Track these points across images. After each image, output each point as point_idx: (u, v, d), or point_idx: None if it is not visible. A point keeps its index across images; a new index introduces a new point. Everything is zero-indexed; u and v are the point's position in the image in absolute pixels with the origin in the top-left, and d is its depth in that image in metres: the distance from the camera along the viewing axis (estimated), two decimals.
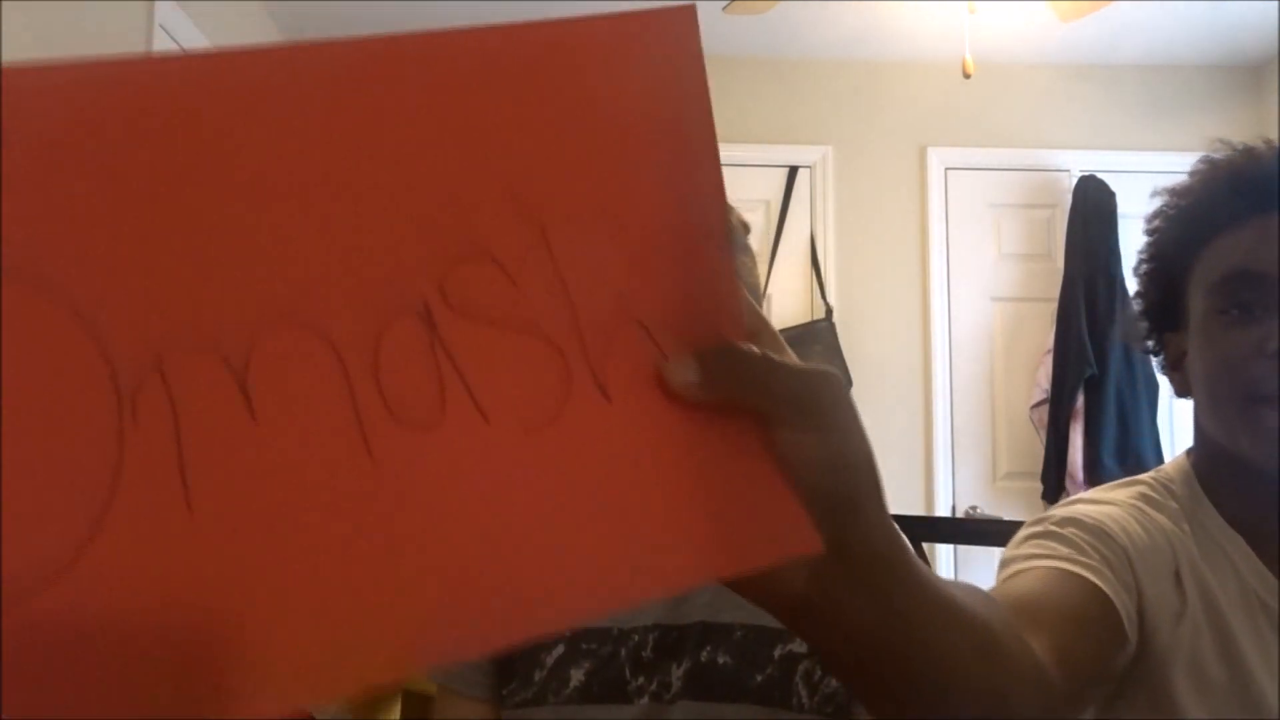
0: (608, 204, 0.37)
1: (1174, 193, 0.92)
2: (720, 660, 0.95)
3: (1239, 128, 3.49)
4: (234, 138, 0.31)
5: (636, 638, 0.97)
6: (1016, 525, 1.15)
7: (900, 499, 3.25)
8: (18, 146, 0.28)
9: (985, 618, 0.47)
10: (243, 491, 0.30)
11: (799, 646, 0.95)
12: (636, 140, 0.38)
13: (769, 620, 0.95)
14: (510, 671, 1.01)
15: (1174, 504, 0.85)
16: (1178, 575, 0.80)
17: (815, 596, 0.40)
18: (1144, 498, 0.86)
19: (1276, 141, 0.90)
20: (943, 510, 3.32)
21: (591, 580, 0.34)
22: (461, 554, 0.32)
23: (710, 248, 0.39)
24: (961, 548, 3.22)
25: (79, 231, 0.29)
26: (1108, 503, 0.85)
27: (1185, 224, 0.90)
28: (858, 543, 0.40)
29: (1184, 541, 0.82)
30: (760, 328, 0.41)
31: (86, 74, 0.30)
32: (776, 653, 0.95)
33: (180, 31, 2.45)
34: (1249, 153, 0.90)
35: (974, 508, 3.34)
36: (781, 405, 0.39)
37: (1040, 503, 3.27)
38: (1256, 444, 0.78)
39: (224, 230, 0.31)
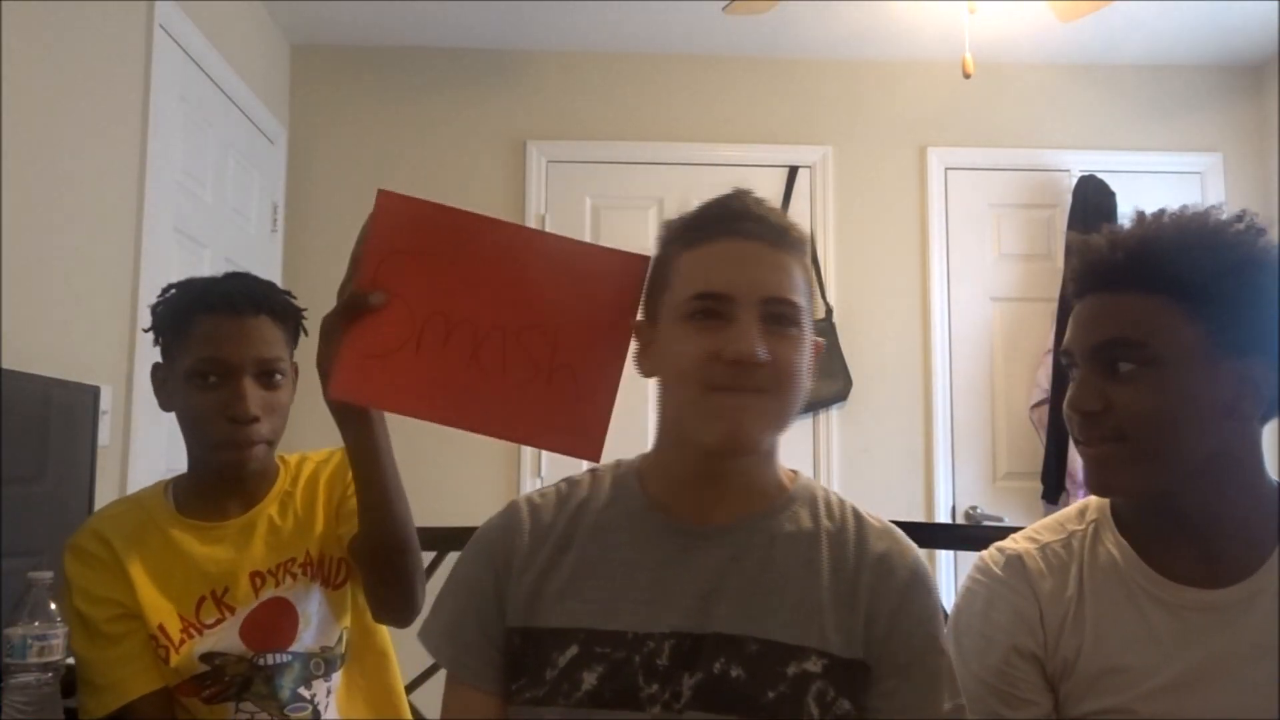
0: (564, 326, 1.04)
1: None
2: (733, 674, 0.94)
3: (1239, 128, 3.51)
4: (474, 251, 1.04)
5: (652, 644, 0.96)
6: (1017, 529, 1.18)
7: (900, 499, 3.26)
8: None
9: None
10: (437, 359, 1.03)
11: (813, 665, 0.94)
12: (592, 307, 1.04)
13: (784, 636, 0.95)
14: (520, 667, 0.99)
15: (1080, 527, 1.11)
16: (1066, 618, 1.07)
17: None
18: (1050, 547, 1.11)
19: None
20: (943, 510, 3.32)
21: (508, 420, 1.04)
22: (487, 395, 1.04)
23: (601, 374, 1.04)
24: (962, 553, 3.22)
25: (413, 277, 1.04)
26: (1002, 593, 1.10)
27: (1069, 295, 1.16)
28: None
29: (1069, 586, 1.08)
30: None
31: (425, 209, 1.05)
32: (790, 670, 0.94)
33: (180, 32, 2.45)
34: (1084, 243, 1.09)
35: (974, 508, 3.34)
36: None
37: (1040, 503, 3.27)
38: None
39: (466, 285, 1.04)
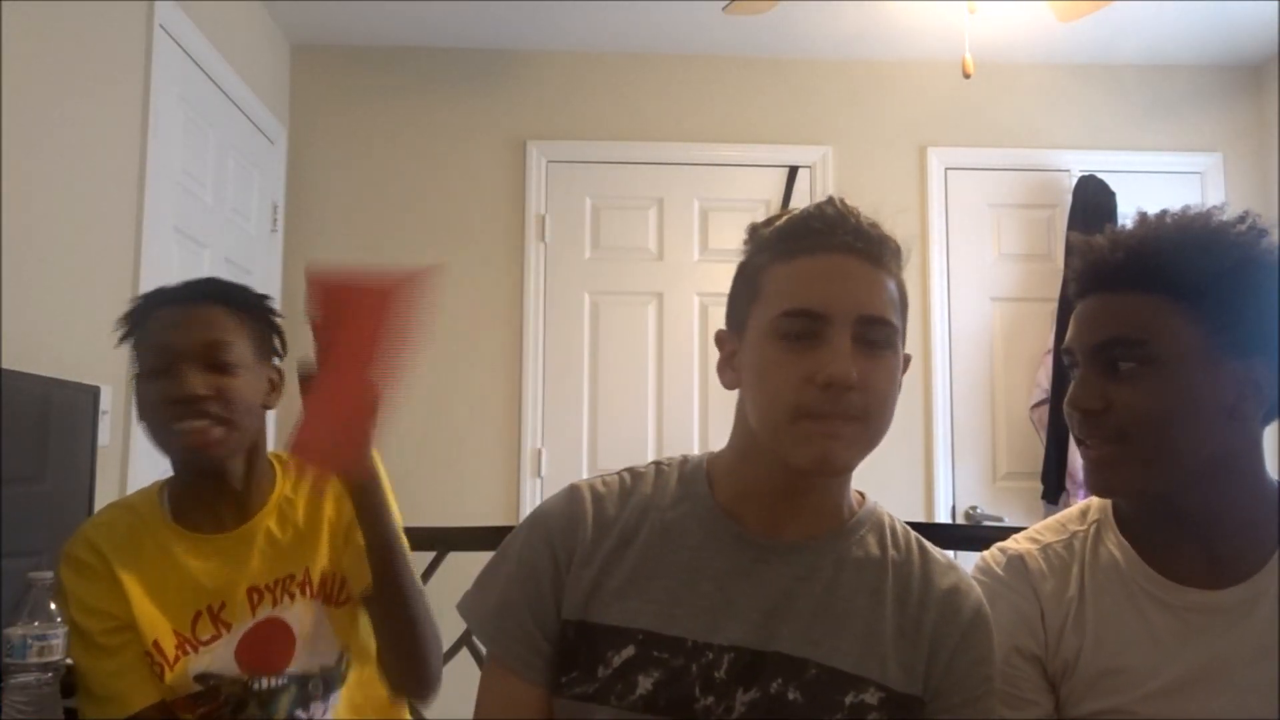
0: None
1: None
2: (790, 696, 0.93)
3: (1239, 128, 3.51)
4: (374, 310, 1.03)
5: (711, 655, 0.94)
6: (1017, 530, 1.17)
7: (900, 499, 3.26)
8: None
9: None
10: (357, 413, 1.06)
11: (871, 697, 0.93)
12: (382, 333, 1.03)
13: (845, 664, 0.93)
14: (571, 661, 0.97)
15: (1082, 527, 1.10)
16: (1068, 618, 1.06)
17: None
18: (1051, 547, 1.11)
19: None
20: (943, 510, 3.32)
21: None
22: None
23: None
24: (961, 553, 3.22)
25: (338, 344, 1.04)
26: (1010, 594, 1.08)
27: (1071, 295, 1.15)
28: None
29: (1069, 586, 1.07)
30: None
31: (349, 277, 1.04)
32: (848, 700, 0.93)
33: (180, 32, 2.45)
34: (1086, 243, 1.08)
35: (974, 508, 3.34)
36: None
37: (1040, 503, 3.27)
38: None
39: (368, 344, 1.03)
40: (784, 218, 1.01)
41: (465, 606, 1.05)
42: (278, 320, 1.34)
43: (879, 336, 0.94)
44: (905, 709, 0.94)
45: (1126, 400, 0.99)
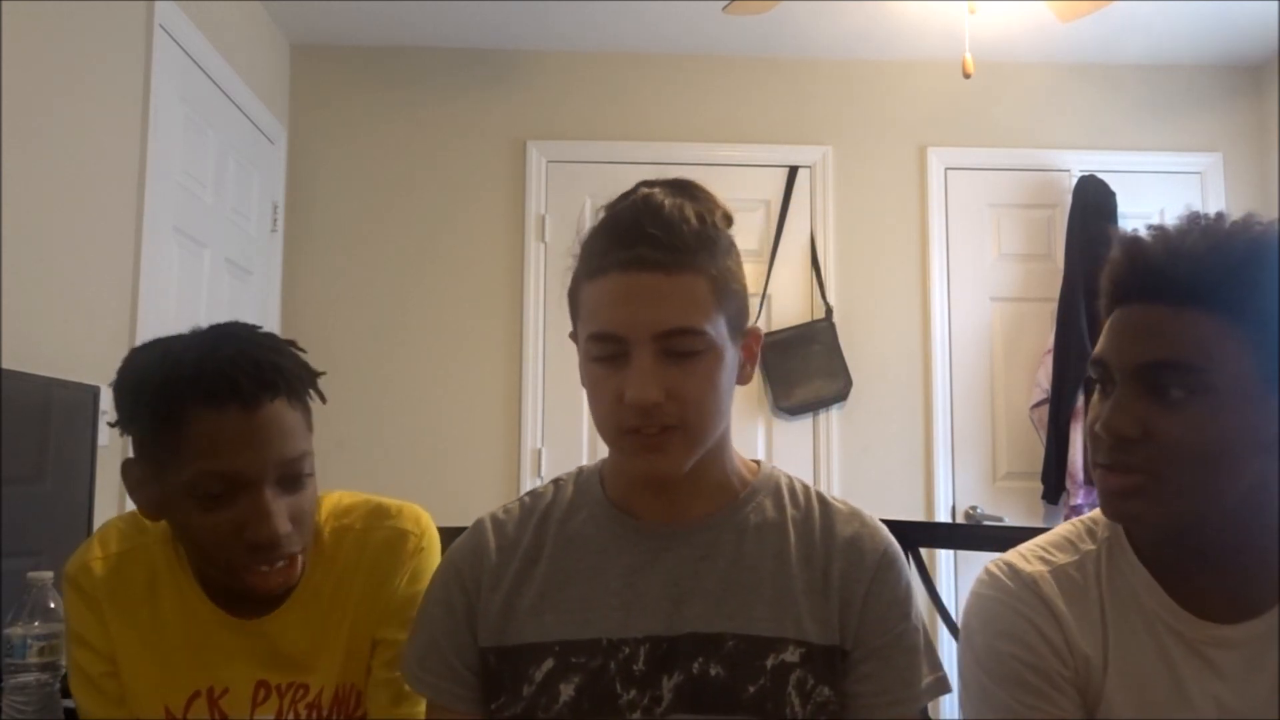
0: None
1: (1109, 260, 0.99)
2: (713, 672, 0.94)
3: (1239, 128, 3.51)
4: None
5: (627, 650, 0.96)
6: (1017, 529, 1.16)
7: (900, 499, 3.26)
8: None
9: None
10: None
11: (791, 655, 0.94)
12: None
13: (761, 629, 0.95)
14: (498, 686, 0.99)
15: (1093, 547, 1.01)
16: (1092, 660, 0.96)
17: None
18: (1064, 569, 1.00)
19: (1193, 220, 0.94)
20: (943, 510, 3.32)
21: None
22: None
23: None
24: (961, 553, 3.22)
25: None
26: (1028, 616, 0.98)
27: (1103, 294, 0.99)
28: None
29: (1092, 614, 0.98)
30: None
31: None
32: (769, 662, 0.94)
33: (180, 32, 2.45)
34: (1134, 242, 0.95)
35: (974, 508, 3.34)
36: None
37: (1040, 503, 3.27)
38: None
39: None
40: (601, 217, 0.98)
41: (402, 663, 1.06)
42: (311, 369, 1.06)
43: (684, 347, 0.92)
44: (828, 660, 0.96)
45: (1170, 431, 0.89)
